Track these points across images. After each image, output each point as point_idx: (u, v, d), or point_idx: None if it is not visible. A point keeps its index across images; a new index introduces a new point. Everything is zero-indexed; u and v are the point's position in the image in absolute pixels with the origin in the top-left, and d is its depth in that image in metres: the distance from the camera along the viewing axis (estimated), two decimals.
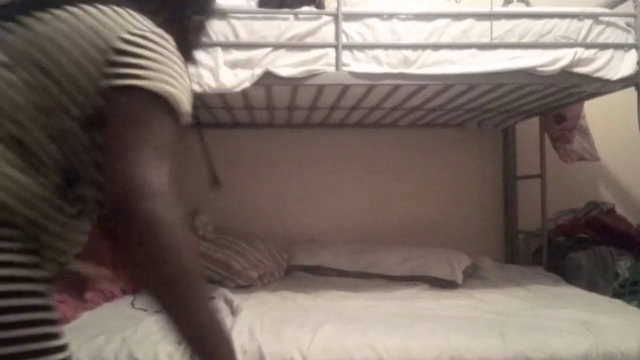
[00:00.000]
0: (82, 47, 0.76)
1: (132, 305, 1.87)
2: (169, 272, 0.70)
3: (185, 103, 0.79)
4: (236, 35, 1.82)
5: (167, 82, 0.76)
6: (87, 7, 0.78)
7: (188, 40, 0.94)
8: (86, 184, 0.80)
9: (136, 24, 0.79)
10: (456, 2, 2.64)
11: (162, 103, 0.75)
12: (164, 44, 0.80)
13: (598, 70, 1.94)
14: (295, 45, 1.84)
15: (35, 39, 0.76)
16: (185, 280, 0.72)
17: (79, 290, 1.90)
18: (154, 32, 0.80)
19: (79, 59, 0.75)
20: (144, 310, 1.76)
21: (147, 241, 0.69)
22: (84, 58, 0.76)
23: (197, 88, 1.78)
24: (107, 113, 0.75)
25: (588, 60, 1.93)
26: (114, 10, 0.79)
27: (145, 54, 0.77)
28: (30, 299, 0.70)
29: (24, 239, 0.72)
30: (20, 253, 0.71)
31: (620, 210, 2.85)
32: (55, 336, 0.71)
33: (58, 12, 0.77)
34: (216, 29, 1.81)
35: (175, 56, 0.80)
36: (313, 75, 1.85)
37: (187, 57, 0.90)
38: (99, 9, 0.79)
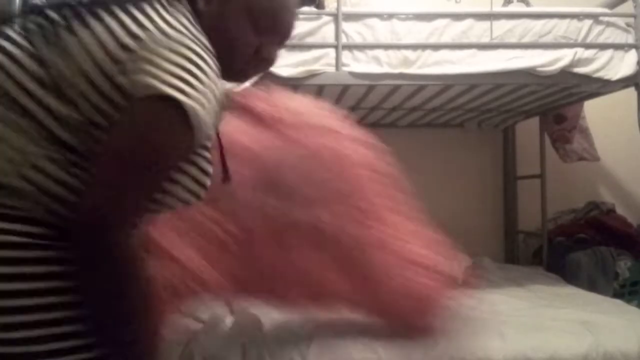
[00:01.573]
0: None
1: None
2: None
3: (208, 124, 0.73)
4: None
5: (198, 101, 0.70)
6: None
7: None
8: None
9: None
10: (456, 2, 2.65)
11: (182, 117, 0.69)
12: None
13: (598, 70, 1.94)
14: (295, 45, 1.84)
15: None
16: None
17: None
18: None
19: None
20: None
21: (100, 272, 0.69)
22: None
23: None
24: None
25: (588, 61, 1.93)
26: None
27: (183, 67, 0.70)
28: (65, 296, 0.70)
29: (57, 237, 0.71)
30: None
31: (620, 210, 2.85)
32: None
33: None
34: None
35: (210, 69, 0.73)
36: (313, 75, 1.85)
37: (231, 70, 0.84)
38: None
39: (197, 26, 0.76)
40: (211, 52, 0.75)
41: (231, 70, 0.83)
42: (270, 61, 0.89)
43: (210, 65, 0.73)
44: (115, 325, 0.72)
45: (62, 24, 0.71)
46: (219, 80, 0.75)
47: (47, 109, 0.70)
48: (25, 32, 0.72)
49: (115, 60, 0.69)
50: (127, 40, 0.70)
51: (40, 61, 0.70)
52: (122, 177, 0.69)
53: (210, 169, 0.81)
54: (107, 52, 0.70)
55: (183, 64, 0.69)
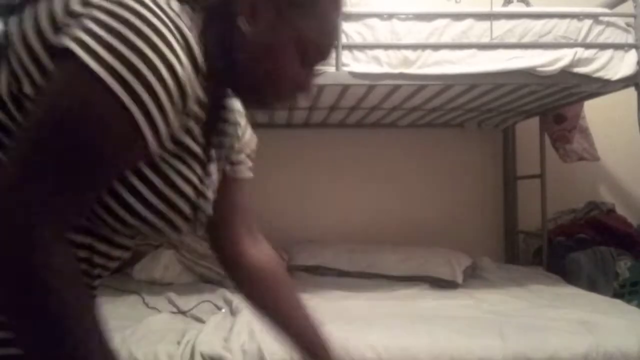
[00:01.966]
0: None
1: (144, 303, 1.87)
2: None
3: (159, 118, 0.57)
4: None
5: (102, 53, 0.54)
6: None
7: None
8: None
9: None
10: (456, 2, 2.64)
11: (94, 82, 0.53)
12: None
13: (598, 70, 1.94)
14: None
15: None
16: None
17: None
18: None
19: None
20: (157, 309, 1.77)
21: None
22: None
23: None
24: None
25: (588, 61, 1.93)
26: None
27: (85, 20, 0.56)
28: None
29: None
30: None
31: (620, 210, 2.85)
32: None
33: None
34: None
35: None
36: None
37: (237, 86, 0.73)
38: None
39: (186, 19, 0.62)
40: (187, 43, 0.59)
41: (269, 99, 0.76)
42: (308, 91, 0.79)
43: (171, 44, 0.57)
44: None
45: None
46: (196, 83, 0.61)
47: None
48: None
49: (55, 26, 0.58)
50: (76, 7, 0.58)
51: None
52: (42, 151, 0.54)
53: (194, 178, 0.67)
54: (52, 18, 0.59)
55: (113, 26, 0.55)
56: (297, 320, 0.92)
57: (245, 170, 0.91)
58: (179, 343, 1.45)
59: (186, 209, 0.66)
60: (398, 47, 1.87)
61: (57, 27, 0.58)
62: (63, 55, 0.54)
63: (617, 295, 2.30)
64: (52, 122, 0.54)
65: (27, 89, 0.58)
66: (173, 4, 0.61)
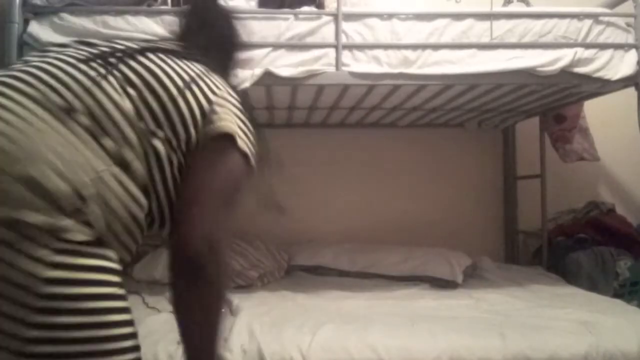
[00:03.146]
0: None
1: (144, 302, 1.87)
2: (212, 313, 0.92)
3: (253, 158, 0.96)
4: None
5: (245, 141, 0.94)
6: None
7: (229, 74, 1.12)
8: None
9: (217, 84, 0.97)
10: (456, 2, 2.64)
11: (242, 156, 0.93)
12: (237, 104, 0.97)
13: (598, 70, 1.94)
14: (295, 45, 1.84)
15: (156, 71, 0.90)
16: (218, 317, 0.93)
17: None
18: (229, 94, 0.98)
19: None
20: (157, 309, 1.77)
21: (201, 290, 0.88)
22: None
23: None
24: (196, 155, 0.91)
25: (588, 60, 1.93)
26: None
27: (229, 112, 0.94)
28: (126, 314, 0.84)
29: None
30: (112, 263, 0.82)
31: (620, 210, 2.85)
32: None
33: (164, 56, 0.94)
34: None
35: (242, 113, 0.97)
36: (313, 75, 1.85)
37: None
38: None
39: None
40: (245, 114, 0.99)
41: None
42: None
43: (248, 124, 0.98)
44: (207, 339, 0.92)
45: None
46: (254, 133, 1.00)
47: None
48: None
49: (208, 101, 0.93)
50: (212, 96, 0.94)
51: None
52: (220, 207, 0.91)
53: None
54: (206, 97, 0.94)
55: (242, 119, 0.96)
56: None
57: None
58: (178, 343, 1.44)
59: None
60: (398, 47, 1.87)
61: (209, 102, 0.93)
62: (223, 137, 0.91)
63: (617, 295, 2.30)
64: (228, 185, 0.92)
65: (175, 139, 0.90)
66: (232, 91, 1.00)
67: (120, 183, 0.82)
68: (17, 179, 0.73)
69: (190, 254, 0.85)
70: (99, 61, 0.88)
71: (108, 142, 0.82)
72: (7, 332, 0.71)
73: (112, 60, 0.89)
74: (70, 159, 0.77)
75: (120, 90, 0.85)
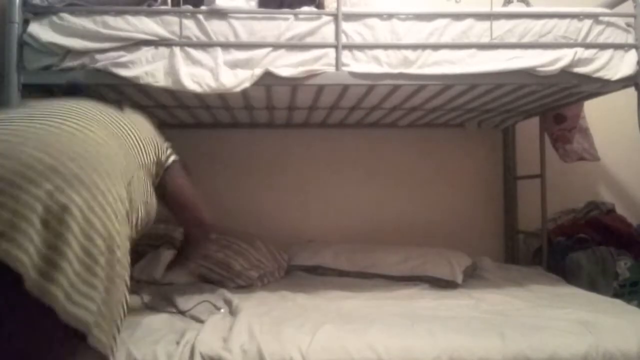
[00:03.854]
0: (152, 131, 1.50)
1: (143, 302, 1.87)
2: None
3: None
4: (236, 35, 1.82)
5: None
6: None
7: None
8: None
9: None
10: (456, 2, 2.65)
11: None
12: None
13: (598, 70, 1.94)
14: (295, 45, 1.84)
15: (134, 119, 1.44)
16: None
17: None
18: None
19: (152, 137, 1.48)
20: (155, 309, 1.77)
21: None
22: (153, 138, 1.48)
23: (197, 88, 1.78)
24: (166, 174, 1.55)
25: (588, 60, 1.93)
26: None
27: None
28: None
29: None
30: None
31: (620, 210, 2.85)
32: None
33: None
34: (216, 28, 1.81)
35: None
36: (313, 75, 1.85)
37: None
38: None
39: None
40: None
41: None
42: None
43: None
44: None
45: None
46: None
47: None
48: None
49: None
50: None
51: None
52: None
53: None
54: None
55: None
56: None
57: None
58: (178, 343, 1.45)
59: None
60: (398, 47, 1.87)
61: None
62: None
63: (617, 295, 2.30)
64: None
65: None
66: None
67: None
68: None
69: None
70: None
71: None
72: None
73: None
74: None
75: None
